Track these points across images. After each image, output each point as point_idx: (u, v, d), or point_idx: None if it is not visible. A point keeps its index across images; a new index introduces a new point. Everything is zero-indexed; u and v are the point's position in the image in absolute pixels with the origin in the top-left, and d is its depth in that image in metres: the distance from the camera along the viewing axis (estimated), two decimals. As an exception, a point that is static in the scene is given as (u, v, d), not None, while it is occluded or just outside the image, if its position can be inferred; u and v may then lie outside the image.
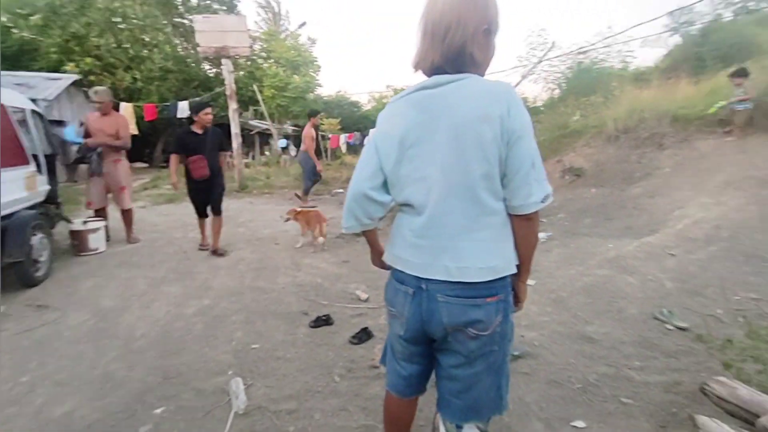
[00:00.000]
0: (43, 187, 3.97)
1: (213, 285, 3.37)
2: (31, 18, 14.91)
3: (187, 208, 6.99)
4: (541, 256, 3.78)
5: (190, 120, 4.21)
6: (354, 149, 17.03)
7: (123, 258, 4.08)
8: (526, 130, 0.96)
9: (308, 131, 6.82)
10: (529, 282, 3.35)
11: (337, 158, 16.66)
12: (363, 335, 2.46)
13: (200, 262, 3.96)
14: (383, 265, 1.24)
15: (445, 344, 1.08)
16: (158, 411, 1.84)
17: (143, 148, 16.30)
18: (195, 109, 4.05)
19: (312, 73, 18.88)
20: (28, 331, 2.58)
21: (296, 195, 7.49)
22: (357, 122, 20.90)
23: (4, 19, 15.64)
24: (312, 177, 7.07)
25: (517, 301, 1.14)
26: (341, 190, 8.74)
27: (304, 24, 26.80)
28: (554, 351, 2.25)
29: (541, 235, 4.30)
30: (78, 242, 4.15)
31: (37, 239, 3.40)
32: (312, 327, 2.62)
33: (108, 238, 4.50)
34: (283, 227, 5.40)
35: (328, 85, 56.36)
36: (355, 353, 2.31)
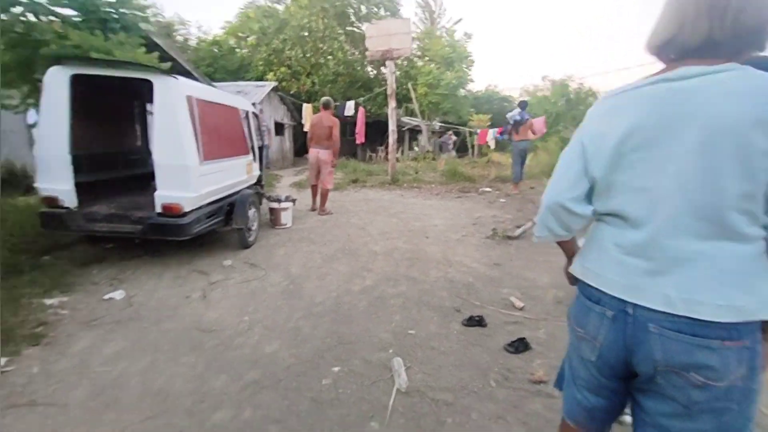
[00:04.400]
0: (256, 172, 5.10)
1: (372, 268, 3.73)
2: (248, 39, 19.27)
3: (349, 195, 7.98)
4: None
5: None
6: (502, 145, 16.24)
7: (303, 234, 4.91)
8: None
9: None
10: None
11: (484, 155, 16.18)
12: (520, 345, 2.35)
13: (361, 246, 4.44)
14: (571, 279, 1.12)
15: (653, 385, 0.90)
16: (335, 369, 2.15)
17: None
18: None
19: (465, 69, 18.72)
20: (246, 282, 3.37)
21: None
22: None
23: (232, 42, 20.60)
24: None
25: None
26: (489, 189, 8.47)
27: (460, 20, 26.75)
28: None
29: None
30: (274, 217, 5.20)
31: (251, 212, 4.40)
32: (465, 325, 2.64)
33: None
34: (431, 222, 5.58)
35: (480, 79, 55.01)
36: (512, 362, 2.22)
